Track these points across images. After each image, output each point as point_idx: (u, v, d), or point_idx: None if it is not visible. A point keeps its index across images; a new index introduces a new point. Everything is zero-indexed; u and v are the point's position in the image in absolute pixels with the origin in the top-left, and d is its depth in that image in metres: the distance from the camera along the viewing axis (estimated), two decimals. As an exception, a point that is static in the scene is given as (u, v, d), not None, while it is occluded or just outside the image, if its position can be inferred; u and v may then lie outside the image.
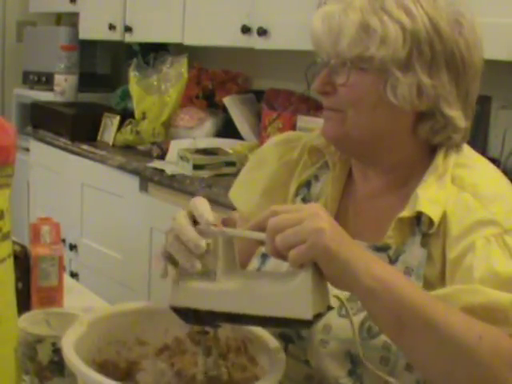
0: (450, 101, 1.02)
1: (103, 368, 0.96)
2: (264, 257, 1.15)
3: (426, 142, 1.07)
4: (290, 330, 1.07)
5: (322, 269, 0.84)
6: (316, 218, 0.84)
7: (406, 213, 1.01)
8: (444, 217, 1.00)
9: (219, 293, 0.88)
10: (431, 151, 1.08)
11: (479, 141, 2.16)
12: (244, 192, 1.27)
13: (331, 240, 0.83)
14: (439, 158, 1.05)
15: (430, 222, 1.00)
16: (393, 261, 1.04)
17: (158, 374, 0.98)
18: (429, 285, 0.99)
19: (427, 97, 1.01)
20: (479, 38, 1.04)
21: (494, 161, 1.95)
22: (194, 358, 0.98)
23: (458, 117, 1.03)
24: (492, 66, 1.87)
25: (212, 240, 0.88)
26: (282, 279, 0.85)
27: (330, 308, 0.89)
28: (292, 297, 0.84)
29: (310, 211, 0.85)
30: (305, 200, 1.17)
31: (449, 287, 0.96)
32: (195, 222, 0.90)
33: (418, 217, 1.02)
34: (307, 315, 0.83)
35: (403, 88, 1.00)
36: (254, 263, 1.16)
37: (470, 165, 1.06)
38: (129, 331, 1.00)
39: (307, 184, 1.18)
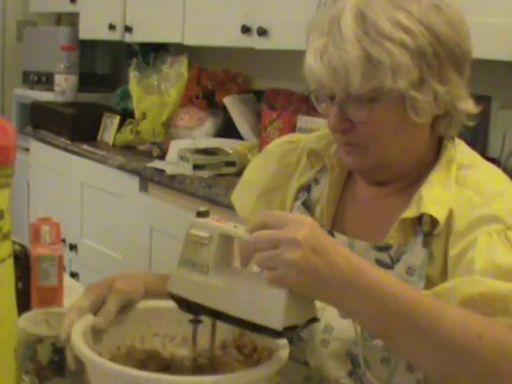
0: (462, 95, 1.02)
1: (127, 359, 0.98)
2: None
3: (438, 138, 1.07)
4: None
5: None
6: (290, 246, 0.82)
7: (410, 213, 1.01)
8: (448, 216, 1.00)
9: (207, 287, 0.90)
10: (437, 150, 1.08)
11: (479, 141, 2.16)
12: (242, 194, 1.27)
13: (301, 274, 0.83)
14: (444, 161, 1.05)
15: (433, 221, 1.00)
16: (394, 261, 1.03)
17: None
18: (431, 284, 0.99)
19: (444, 102, 1.00)
20: (458, 10, 1.02)
21: (494, 161, 1.95)
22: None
23: (471, 106, 1.04)
24: (492, 65, 1.87)
25: (209, 233, 0.89)
26: (264, 285, 0.86)
27: (314, 320, 0.89)
28: (266, 305, 0.85)
29: (288, 235, 0.83)
30: (305, 204, 1.16)
31: (449, 281, 0.96)
32: None
33: (420, 217, 1.02)
34: (277, 326, 0.84)
35: (423, 105, 0.98)
36: None
37: (473, 165, 1.06)
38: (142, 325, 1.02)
39: (307, 188, 1.18)
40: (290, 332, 0.86)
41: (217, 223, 0.91)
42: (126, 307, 1.01)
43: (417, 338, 0.85)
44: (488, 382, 0.85)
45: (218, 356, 1.00)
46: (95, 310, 0.99)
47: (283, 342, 0.93)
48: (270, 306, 0.85)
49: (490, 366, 0.84)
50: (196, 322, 0.96)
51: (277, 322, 0.84)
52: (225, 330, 0.98)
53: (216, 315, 0.90)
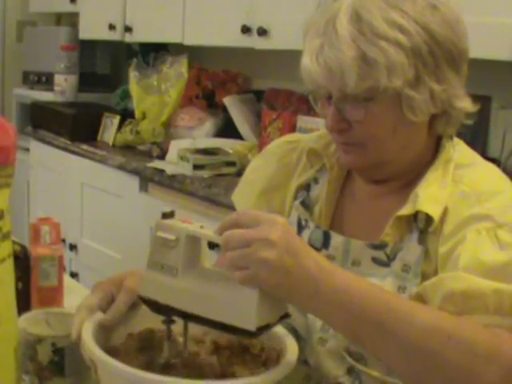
0: (459, 94, 1.02)
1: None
2: None
3: (436, 136, 1.07)
4: (288, 330, 1.07)
5: None
6: (264, 245, 0.82)
7: (405, 211, 1.02)
8: (443, 214, 1.00)
9: (176, 290, 0.90)
10: (435, 149, 1.08)
11: (479, 141, 2.16)
12: (243, 194, 1.28)
13: (273, 273, 0.83)
14: (441, 160, 1.05)
15: (428, 219, 1.01)
16: (390, 259, 1.04)
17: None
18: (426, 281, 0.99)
19: (440, 101, 1.00)
20: (455, 9, 1.02)
21: (494, 161, 1.95)
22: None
23: (468, 104, 1.04)
24: (492, 65, 1.87)
25: (176, 236, 0.89)
26: (234, 286, 0.86)
27: (285, 316, 0.89)
28: (238, 306, 0.85)
29: (262, 234, 0.83)
30: (304, 204, 1.17)
31: (436, 276, 0.96)
32: None
33: (416, 214, 1.02)
34: (251, 327, 0.85)
35: (419, 104, 0.98)
36: None
37: (472, 164, 1.06)
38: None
39: (307, 187, 1.18)
40: (263, 331, 0.87)
41: (183, 224, 0.90)
42: (134, 304, 1.01)
43: (385, 341, 0.85)
44: (460, 383, 0.84)
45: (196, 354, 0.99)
46: (104, 307, 1.00)
47: (292, 345, 0.93)
48: (242, 307, 0.85)
49: (461, 367, 0.83)
50: (169, 322, 0.96)
51: (250, 322, 0.85)
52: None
53: (188, 317, 0.90)
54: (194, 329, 0.97)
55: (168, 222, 0.91)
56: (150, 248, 0.92)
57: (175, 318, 0.95)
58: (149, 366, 0.94)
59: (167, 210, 0.93)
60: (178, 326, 0.98)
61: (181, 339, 0.98)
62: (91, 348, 0.89)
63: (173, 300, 0.90)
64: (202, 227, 0.90)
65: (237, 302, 0.86)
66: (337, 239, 1.10)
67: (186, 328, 0.96)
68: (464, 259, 0.94)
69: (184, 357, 0.96)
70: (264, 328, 0.86)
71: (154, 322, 1.01)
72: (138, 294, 0.94)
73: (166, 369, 0.95)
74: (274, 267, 0.83)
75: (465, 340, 0.84)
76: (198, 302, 0.89)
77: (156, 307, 0.93)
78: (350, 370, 1.04)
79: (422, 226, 1.02)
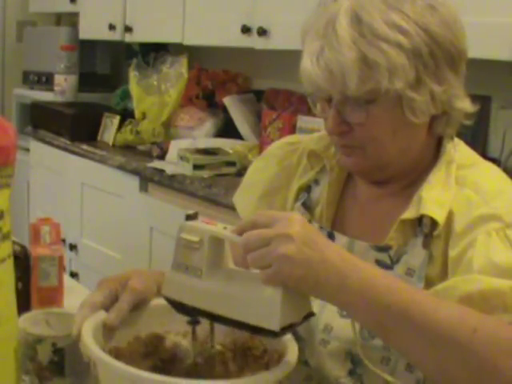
0: (458, 94, 1.02)
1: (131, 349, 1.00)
2: None
3: (437, 136, 1.07)
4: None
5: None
6: (283, 241, 0.83)
7: (409, 214, 1.01)
8: (448, 217, 1.00)
9: (202, 291, 0.90)
10: (436, 150, 1.08)
11: (479, 141, 2.16)
12: (244, 196, 1.27)
13: (296, 267, 0.83)
14: (443, 161, 1.05)
15: (432, 223, 1.00)
16: (394, 261, 1.04)
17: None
18: (430, 285, 0.99)
19: (441, 102, 1.00)
20: (452, 9, 1.02)
21: (494, 161, 1.95)
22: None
23: (468, 104, 1.04)
24: (492, 65, 1.87)
25: (199, 237, 0.90)
26: (258, 286, 0.86)
27: (310, 315, 0.89)
28: (261, 306, 0.86)
29: (279, 231, 0.83)
30: (305, 205, 1.17)
31: (448, 280, 0.96)
32: None
33: (420, 218, 1.02)
34: (274, 327, 0.85)
35: (420, 105, 0.98)
36: None
37: (473, 165, 1.06)
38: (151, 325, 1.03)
39: (307, 188, 1.18)
40: (287, 331, 0.87)
41: (206, 226, 0.91)
42: (138, 305, 1.01)
43: (412, 331, 0.85)
44: (484, 376, 0.84)
45: (221, 355, 1.00)
46: (108, 305, 0.99)
47: (293, 345, 0.93)
48: (265, 307, 0.85)
49: (486, 359, 0.83)
50: (194, 322, 0.97)
51: (274, 322, 0.84)
52: (237, 331, 0.98)
53: (213, 317, 0.91)
54: (202, 331, 0.98)
55: (191, 223, 0.91)
56: (174, 249, 0.92)
57: (201, 319, 0.95)
58: (154, 371, 0.94)
59: (190, 211, 0.93)
60: (182, 326, 0.99)
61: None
62: (91, 347, 0.89)
63: (198, 301, 0.91)
64: (225, 228, 0.90)
65: (260, 302, 0.86)
66: (341, 240, 1.09)
67: (212, 329, 0.96)
68: (477, 262, 0.94)
69: (208, 357, 0.97)
70: (288, 328, 0.86)
71: (160, 325, 1.02)
72: (163, 295, 0.94)
73: (190, 369, 0.96)
74: (296, 260, 0.83)
75: (489, 334, 0.84)
76: (222, 303, 0.89)
77: (181, 308, 0.93)
78: (352, 372, 1.03)
79: (427, 230, 1.01)
